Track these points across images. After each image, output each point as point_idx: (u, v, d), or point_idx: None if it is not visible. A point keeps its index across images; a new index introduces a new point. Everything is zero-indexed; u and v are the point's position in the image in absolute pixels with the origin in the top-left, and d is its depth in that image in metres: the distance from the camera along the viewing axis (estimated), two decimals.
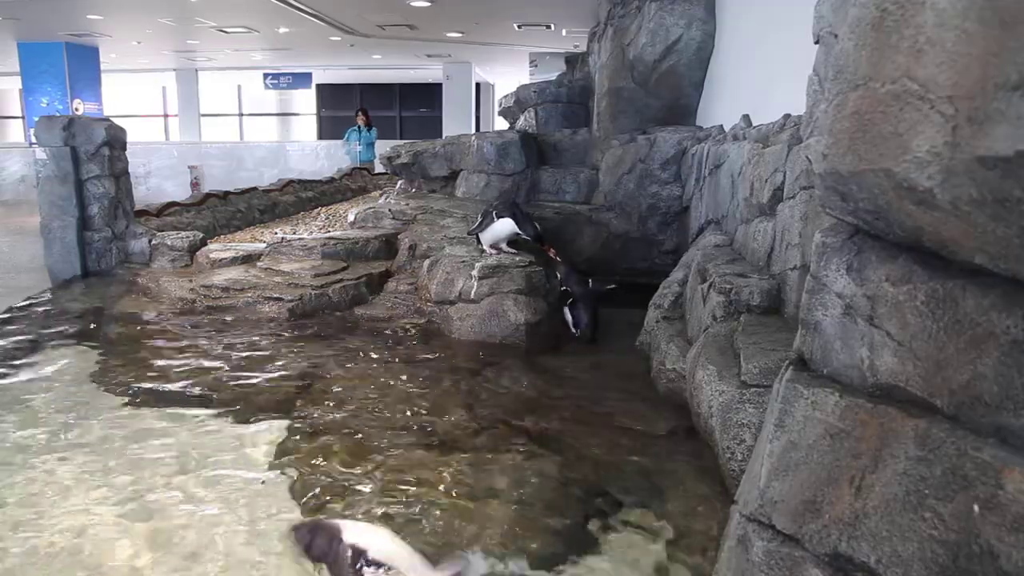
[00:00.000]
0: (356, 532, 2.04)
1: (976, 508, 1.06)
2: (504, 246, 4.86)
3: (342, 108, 21.15)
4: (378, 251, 5.62)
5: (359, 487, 2.49)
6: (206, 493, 2.47)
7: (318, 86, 21.49)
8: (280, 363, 3.82)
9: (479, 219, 5.05)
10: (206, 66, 18.86)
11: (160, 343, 4.20)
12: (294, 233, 6.68)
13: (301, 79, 20.19)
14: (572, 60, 10.53)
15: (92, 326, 4.64)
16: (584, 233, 6.42)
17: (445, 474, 2.58)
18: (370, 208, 6.50)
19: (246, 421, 3.07)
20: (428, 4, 10.47)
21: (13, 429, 3.00)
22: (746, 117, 4.67)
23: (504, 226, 4.83)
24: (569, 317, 4.63)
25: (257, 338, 4.26)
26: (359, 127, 11.78)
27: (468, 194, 7.06)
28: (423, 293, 4.80)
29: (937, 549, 1.10)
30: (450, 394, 3.40)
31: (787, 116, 3.56)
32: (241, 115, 23.83)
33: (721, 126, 5.57)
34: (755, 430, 2.26)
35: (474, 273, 4.50)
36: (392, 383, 3.53)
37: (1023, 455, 1.04)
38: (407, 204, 6.50)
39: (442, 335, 4.44)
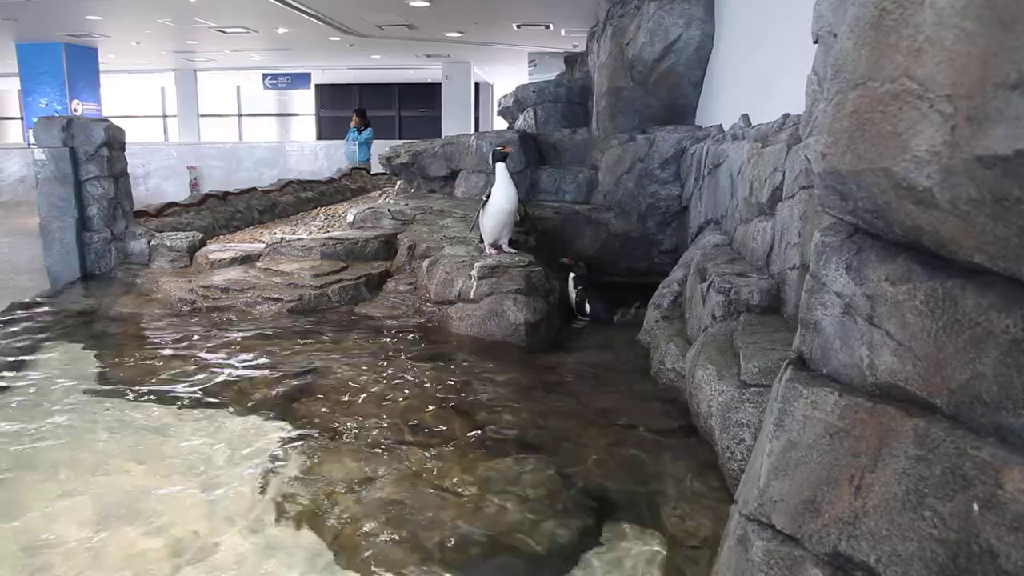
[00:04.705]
0: None
1: (976, 507, 1.06)
2: (505, 246, 4.85)
3: (341, 108, 21.14)
4: (377, 251, 5.62)
5: (357, 485, 2.49)
6: (204, 492, 2.47)
7: (317, 86, 21.48)
8: (279, 363, 3.82)
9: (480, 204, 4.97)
10: (205, 66, 18.85)
11: (159, 343, 4.20)
12: (293, 233, 6.68)
13: (300, 79, 20.19)
14: (571, 60, 10.55)
15: (91, 327, 4.63)
16: (583, 233, 6.43)
17: (442, 473, 2.58)
18: (369, 208, 6.50)
19: (245, 420, 3.07)
20: (427, 4, 10.47)
21: (12, 429, 3.00)
22: (745, 117, 4.67)
23: (501, 195, 4.72)
24: (586, 308, 5.18)
25: (256, 338, 4.26)
26: (352, 128, 11.81)
27: (467, 194, 7.06)
28: (422, 293, 4.80)
29: (936, 548, 1.10)
30: (449, 394, 3.40)
31: (786, 115, 3.56)
32: (240, 115, 23.81)
33: (720, 126, 5.57)
34: (755, 429, 2.27)
35: (473, 273, 4.49)
36: (391, 383, 3.53)
37: (1022, 454, 1.04)
38: (406, 204, 6.51)
39: (441, 335, 4.43)
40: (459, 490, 2.47)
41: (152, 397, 3.35)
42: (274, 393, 3.40)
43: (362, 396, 3.36)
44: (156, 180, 13.47)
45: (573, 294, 5.35)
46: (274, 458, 2.72)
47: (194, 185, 13.33)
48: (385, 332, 4.47)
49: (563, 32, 12.59)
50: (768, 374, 2.34)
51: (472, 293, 4.45)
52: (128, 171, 6.18)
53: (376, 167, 10.21)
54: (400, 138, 14.10)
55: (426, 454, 2.74)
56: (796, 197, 2.81)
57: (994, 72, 0.90)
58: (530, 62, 16.02)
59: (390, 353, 4.03)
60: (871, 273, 1.29)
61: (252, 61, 17.93)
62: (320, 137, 21.51)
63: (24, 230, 8.20)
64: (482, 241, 4.90)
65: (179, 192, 12.02)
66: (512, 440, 2.88)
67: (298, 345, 4.15)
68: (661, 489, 2.48)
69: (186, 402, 3.29)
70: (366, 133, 11.70)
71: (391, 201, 6.87)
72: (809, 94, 2.70)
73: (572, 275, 5.42)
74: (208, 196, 7.46)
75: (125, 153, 6.14)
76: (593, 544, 2.17)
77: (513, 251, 4.85)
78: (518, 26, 12.21)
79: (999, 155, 0.90)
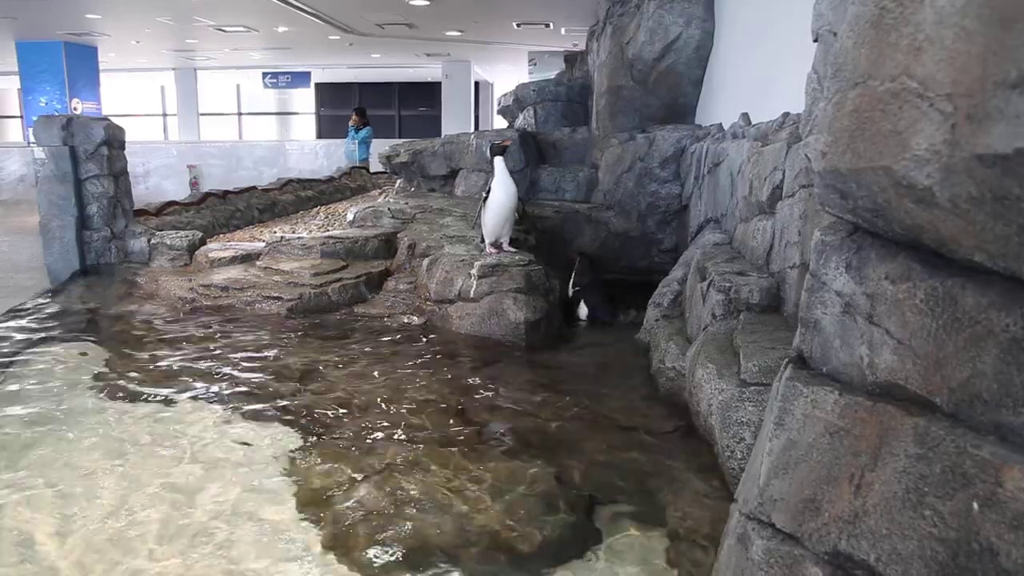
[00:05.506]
0: None
1: (975, 506, 1.06)
2: (505, 244, 4.84)
3: (341, 107, 21.11)
4: (377, 250, 5.61)
5: (357, 484, 2.49)
6: (205, 491, 2.47)
7: (317, 85, 21.47)
8: (279, 362, 3.82)
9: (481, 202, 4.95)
10: (205, 65, 18.83)
11: (159, 342, 4.20)
12: (293, 232, 6.68)
13: (300, 78, 20.18)
14: (571, 59, 10.54)
15: (91, 325, 4.63)
16: (583, 232, 6.43)
17: (443, 472, 2.58)
18: (369, 207, 6.50)
19: (245, 419, 3.07)
20: (427, 3, 10.46)
21: (13, 429, 3.00)
22: (745, 115, 4.67)
23: (500, 190, 4.70)
24: (584, 310, 5.04)
25: (256, 337, 4.26)
26: (351, 126, 11.83)
27: (467, 193, 7.06)
28: (422, 292, 4.79)
29: (936, 547, 1.10)
30: (449, 393, 3.40)
31: (786, 114, 3.56)
32: (240, 114, 23.79)
33: (720, 124, 5.57)
34: (755, 428, 2.27)
35: (473, 272, 4.49)
36: (391, 382, 3.53)
37: (1022, 453, 1.04)
38: (406, 203, 6.51)
39: (441, 334, 4.43)
40: (459, 490, 2.47)
41: (151, 396, 3.35)
42: (273, 392, 3.40)
43: (361, 395, 3.36)
44: (156, 179, 13.47)
45: (570, 294, 5.20)
46: (272, 456, 2.72)
47: (194, 184, 13.33)
48: (385, 331, 4.47)
49: (563, 31, 12.58)
50: (768, 373, 2.34)
51: (472, 292, 4.45)
52: (128, 170, 6.18)
53: (376, 166, 10.21)
54: (400, 137, 14.09)
55: (424, 453, 2.74)
56: (796, 196, 2.81)
57: (994, 71, 0.90)
58: (530, 61, 16.01)
59: (390, 352, 4.03)
60: (871, 272, 1.29)
61: (252, 60, 17.91)
62: (320, 136, 21.50)
63: (24, 228, 8.20)
64: (483, 240, 4.89)
65: (179, 191, 12.02)
66: (511, 439, 2.89)
67: (298, 344, 4.15)
68: (661, 488, 2.48)
69: (185, 401, 3.29)
70: (364, 132, 11.69)
71: (391, 200, 6.87)
72: (809, 93, 2.70)
73: (574, 270, 5.26)
74: (208, 195, 7.46)
75: (125, 152, 6.14)
76: (593, 543, 2.17)
77: (513, 250, 4.85)
78: (518, 25, 12.21)
79: (999, 153, 0.90)
